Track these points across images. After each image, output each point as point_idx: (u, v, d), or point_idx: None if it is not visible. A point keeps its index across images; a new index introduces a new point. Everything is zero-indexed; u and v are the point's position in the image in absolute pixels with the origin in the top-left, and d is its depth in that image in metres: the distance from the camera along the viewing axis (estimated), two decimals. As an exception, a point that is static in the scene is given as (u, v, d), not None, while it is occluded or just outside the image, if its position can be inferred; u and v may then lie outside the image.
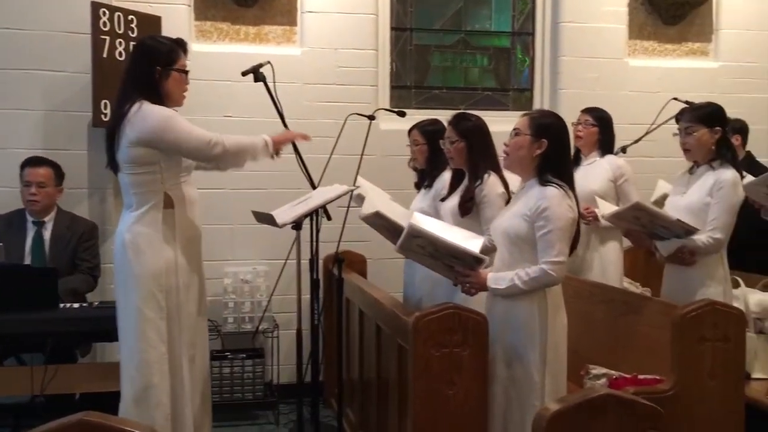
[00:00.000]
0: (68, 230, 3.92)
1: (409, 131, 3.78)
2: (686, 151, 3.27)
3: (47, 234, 3.89)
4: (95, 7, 4.05)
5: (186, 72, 3.01)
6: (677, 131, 3.31)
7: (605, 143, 3.99)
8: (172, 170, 2.94)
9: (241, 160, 3.05)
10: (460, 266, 2.64)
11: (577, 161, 4.05)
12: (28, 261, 3.83)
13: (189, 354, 2.99)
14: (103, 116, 4.11)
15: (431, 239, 2.56)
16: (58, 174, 3.98)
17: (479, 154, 3.17)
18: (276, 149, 3.11)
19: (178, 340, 2.95)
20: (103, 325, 3.22)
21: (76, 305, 3.46)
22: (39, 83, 4.30)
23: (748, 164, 4.12)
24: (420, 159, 3.70)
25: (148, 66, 2.90)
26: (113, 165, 2.97)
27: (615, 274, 3.90)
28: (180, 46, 3.01)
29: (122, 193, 3.03)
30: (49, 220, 3.92)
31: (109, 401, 2.98)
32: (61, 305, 3.41)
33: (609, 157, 3.98)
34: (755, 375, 3.47)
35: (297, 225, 3.30)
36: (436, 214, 3.39)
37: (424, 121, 3.76)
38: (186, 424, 2.95)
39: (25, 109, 4.30)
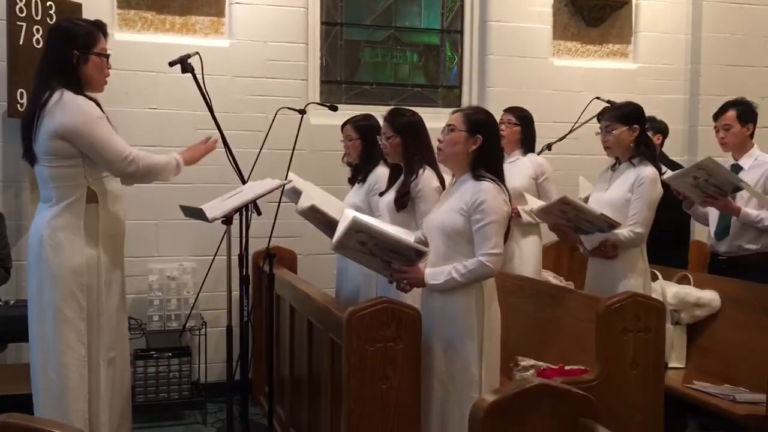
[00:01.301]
0: None
1: (342, 126, 3.77)
2: (607, 148, 3.40)
3: None
4: (11, -8, 3.86)
5: (107, 56, 2.88)
6: (599, 130, 3.42)
7: (527, 142, 4.11)
8: (95, 164, 2.81)
9: (150, 180, 2.99)
10: (398, 262, 2.64)
11: None
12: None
13: (108, 356, 2.87)
14: (19, 106, 3.92)
15: (373, 233, 2.56)
16: None
17: (415, 149, 3.19)
18: (187, 165, 3.05)
19: (97, 341, 2.83)
20: (18, 325, 3.06)
21: (-12, 303, 3.30)
22: (-51, 70, 4.07)
23: (664, 162, 4.30)
24: (353, 154, 3.70)
25: (65, 50, 2.76)
26: (29, 156, 2.81)
27: (534, 266, 4.03)
28: (99, 28, 2.87)
29: (39, 187, 2.87)
30: None
31: (24, 404, 2.84)
32: (-27, 304, 3.24)
33: (531, 156, 4.10)
34: (672, 364, 3.65)
35: (227, 220, 3.23)
36: (369, 208, 3.40)
37: (357, 116, 3.76)
38: (101, 431, 2.84)
39: (-68, 97, 4.06)
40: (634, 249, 3.30)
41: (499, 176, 2.68)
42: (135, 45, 4.43)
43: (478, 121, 2.68)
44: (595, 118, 4.18)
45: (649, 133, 4.36)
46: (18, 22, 3.87)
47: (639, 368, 2.81)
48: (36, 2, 3.96)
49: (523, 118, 4.10)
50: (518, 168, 4.04)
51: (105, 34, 2.89)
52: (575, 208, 3.22)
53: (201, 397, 4.33)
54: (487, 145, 2.66)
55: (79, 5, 4.16)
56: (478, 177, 2.64)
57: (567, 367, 2.91)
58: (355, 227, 2.54)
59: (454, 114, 2.74)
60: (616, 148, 3.36)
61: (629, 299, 2.82)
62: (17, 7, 3.86)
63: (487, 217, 2.56)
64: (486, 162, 2.66)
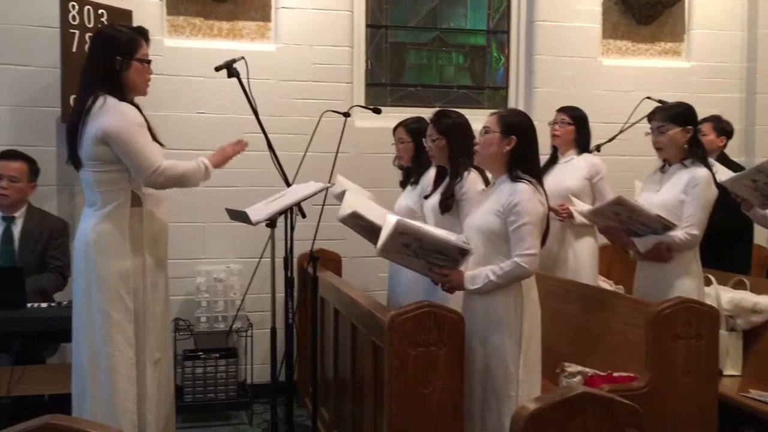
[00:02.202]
0: (39, 227, 3.81)
1: (394, 129, 3.76)
2: (659, 149, 3.30)
3: (17, 230, 3.77)
4: (64, 1, 3.96)
5: (148, 61, 2.93)
6: (649, 130, 3.33)
7: (582, 142, 4.03)
8: None
9: (178, 186, 2.99)
10: (441, 264, 2.64)
11: (554, 160, 4.08)
12: (-5, 258, 3.73)
13: (154, 357, 2.92)
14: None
15: (418, 234, 2.57)
16: (33, 170, 3.86)
17: (460, 152, 3.16)
18: (216, 168, 3.08)
19: (143, 343, 2.88)
20: (71, 325, 3.14)
21: (44, 305, 3.38)
22: (7, 78, 4.22)
23: (725, 164, 4.17)
24: (405, 157, 3.69)
25: (108, 56, 2.81)
26: (74, 161, 2.88)
27: (589, 271, 3.92)
28: (141, 34, 2.92)
29: (84, 191, 2.93)
30: (20, 216, 3.80)
31: (64, 404, 2.92)
32: (29, 305, 3.33)
33: (585, 156, 4.01)
34: (727, 372, 3.52)
35: (271, 223, 3.25)
36: (422, 211, 3.38)
37: (408, 119, 3.74)
38: (148, 431, 2.89)
39: (-9, 103, 4.21)
40: (688, 252, 3.20)
41: (536, 177, 2.68)
42: (184, 51, 4.51)
43: (513, 123, 2.70)
44: (646, 119, 4.10)
45: (713, 135, 4.28)
46: (71, 30, 3.98)
47: (691, 376, 2.73)
48: (88, 10, 4.06)
49: (577, 118, 4.02)
50: (572, 168, 3.96)
51: (147, 40, 2.94)
52: (629, 209, 3.14)
53: (247, 397, 4.37)
54: (522, 145, 2.67)
55: (130, 12, 4.26)
56: (514, 178, 2.65)
57: (615, 374, 2.84)
58: (399, 229, 2.55)
59: (490, 116, 2.76)
60: (669, 150, 3.26)
61: (681, 305, 2.74)
62: (70, 15, 3.97)
63: (521, 218, 2.57)
64: (522, 163, 2.67)
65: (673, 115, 3.24)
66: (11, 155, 3.82)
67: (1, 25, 4.18)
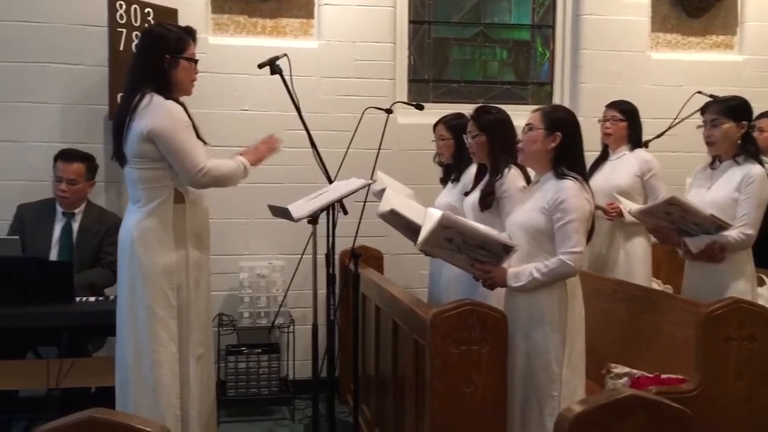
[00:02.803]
0: (97, 223, 3.90)
1: (435, 126, 3.73)
2: (710, 144, 3.19)
3: (76, 226, 3.87)
4: (112, 0, 4.03)
5: (195, 61, 2.96)
6: (701, 124, 3.23)
7: (634, 137, 3.93)
8: None
9: (218, 186, 3.01)
10: (484, 260, 2.61)
11: (604, 157, 3.99)
12: (54, 251, 3.80)
13: (197, 353, 2.95)
14: (120, 110, 4.09)
15: (461, 228, 2.54)
16: (91, 168, 3.94)
17: (501, 148, 3.11)
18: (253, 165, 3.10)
19: (186, 338, 2.91)
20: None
21: (92, 299, 3.45)
22: (57, 76, 4.31)
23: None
24: (446, 154, 3.65)
25: (156, 54, 2.85)
26: (119, 157, 2.92)
27: (642, 271, 3.82)
28: (189, 34, 2.95)
29: (128, 188, 2.98)
30: (79, 212, 3.89)
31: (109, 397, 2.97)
32: (77, 299, 3.40)
33: (638, 152, 3.91)
34: (781, 375, 3.39)
35: (313, 219, 3.25)
36: (463, 208, 3.35)
37: (449, 115, 3.71)
38: (192, 426, 2.92)
39: (43, 102, 4.31)
40: (741, 252, 3.10)
41: (581, 174, 2.64)
42: (228, 48, 4.55)
43: (557, 119, 2.66)
44: (696, 114, 3.98)
45: None
46: (118, 29, 4.04)
47: (743, 379, 2.64)
48: (135, 9, 4.13)
49: (628, 112, 3.92)
50: (623, 165, 3.87)
51: (194, 40, 2.97)
52: (683, 209, 3.04)
53: (289, 393, 4.39)
54: (566, 142, 2.63)
55: (175, 11, 4.31)
56: (560, 175, 2.61)
57: (663, 376, 2.77)
58: (444, 223, 2.53)
59: (534, 113, 2.72)
60: (722, 144, 3.16)
61: (733, 305, 2.65)
62: (117, 15, 4.03)
63: (567, 216, 2.53)
64: (567, 160, 2.63)
65: (728, 109, 3.14)
66: (69, 156, 3.88)
67: (52, 24, 4.28)
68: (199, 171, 2.84)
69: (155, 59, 2.84)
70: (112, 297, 3.59)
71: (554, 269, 2.54)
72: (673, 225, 3.15)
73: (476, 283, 2.81)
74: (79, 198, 3.90)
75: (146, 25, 4.14)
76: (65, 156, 3.88)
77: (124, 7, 4.06)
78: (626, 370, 2.89)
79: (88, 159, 3.93)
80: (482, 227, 2.64)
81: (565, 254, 2.53)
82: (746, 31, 5.17)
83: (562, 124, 2.64)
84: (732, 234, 3.04)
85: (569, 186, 2.56)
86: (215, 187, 3.01)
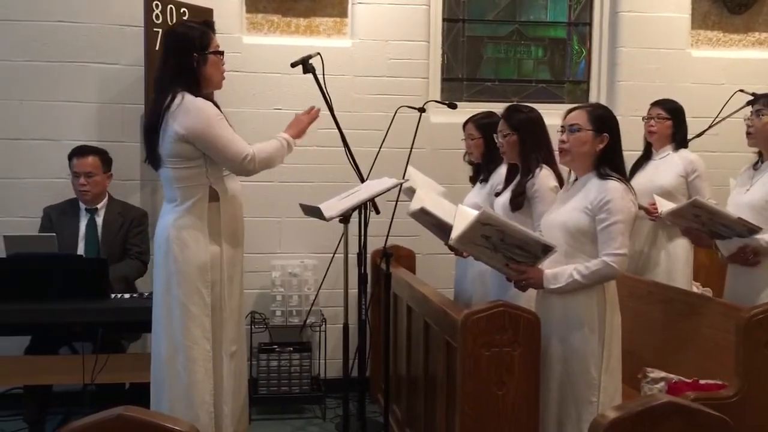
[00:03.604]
0: (120, 216, 3.97)
1: (464, 125, 3.69)
2: (749, 134, 3.11)
3: (100, 220, 3.94)
4: (148, 1, 4.07)
5: (222, 53, 2.97)
6: (749, 114, 3.15)
7: (679, 136, 3.86)
8: (216, 164, 2.91)
9: (268, 168, 3.02)
10: (520, 260, 2.57)
11: (647, 156, 3.92)
12: (81, 247, 3.87)
13: (230, 350, 2.97)
14: (155, 109, 4.13)
15: (501, 226, 2.49)
16: (105, 160, 4.00)
17: (532, 148, 3.07)
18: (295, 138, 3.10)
19: (220, 336, 2.93)
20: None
21: (126, 295, 3.49)
22: (94, 76, 4.37)
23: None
24: (475, 153, 3.61)
25: (185, 53, 2.86)
26: (153, 160, 2.93)
27: (683, 272, 3.76)
28: (209, 27, 2.97)
29: (164, 187, 3.00)
30: (102, 207, 3.97)
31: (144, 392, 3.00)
32: (112, 296, 3.44)
33: (682, 152, 3.84)
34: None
35: (345, 218, 3.25)
36: (491, 208, 3.30)
37: (478, 114, 3.66)
38: (224, 423, 2.93)
39: (80, 101, 4.37)
40: (778, 256, 3.01)
41: (623, 174, 2.59)
42: (262, 47, 4.57)
43: (604, 118, 2.60)
44: (737, 113, 3.88)
45: None
46: (154, 29, 4.08)
47: (785, 386, 2.56)
48: (170, 9, 4.16)
49: (674, 111, 3.85)
50: (667, 165, 3.80)
51: (214, 32, 2.98)
52: (708, 211, 2.97)
53: (320, 392, 4.39)
54: (611, 142, 2.58)
55: (210, 11, 4.34)
56: (603, 176, 2.56)
57: (702, 381, 2.70)
58: (483, 220, 2.48)
59: (574, 112, 2.65)
60: (759, 137, 3.07)
61: (774, 310, 2.57)
62: (153, 15, 4.07)
63: (612, 217, 2.47)
64: (611, 160, 2.58)
65: None
66: (82, 151, 3.95)
67: (89, 24, 4.34)
68: (244, 158, 2.86)
69: (184, 59, 2.85)
70: (146, 294, 3.63)
71: (597, 271, 2.48)
72: (704, 227, 3.08)
73: (506, 284, 2.76)
74: (100, 191, 3.96)
75: (169, 26, 4.17)
76: (79, 152, 3.95)
77: (160, 7, 4.09)
78: (663, 374, 2.82)
79: (101, 152, 3.99)
80: (521, 226, 2.59)
81: (609, 256, 2.47)
82: (791, 27, 5.03)
83: (608, 124, 2.60)
84: (765, 237, 2.95)
85: (615, 187, 2.51)
86: (266, 169, 3.01)
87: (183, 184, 2.89)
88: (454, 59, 5.02)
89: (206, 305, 2.89)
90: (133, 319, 3.35)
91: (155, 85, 2.95)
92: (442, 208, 3.19)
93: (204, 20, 3.02)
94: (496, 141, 3.20)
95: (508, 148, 3.13)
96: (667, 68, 4.88)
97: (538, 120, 3.13)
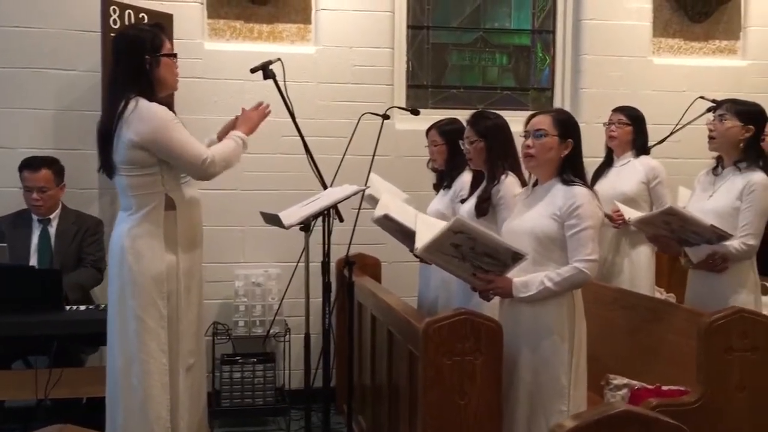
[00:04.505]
0: (74, 225, 3.89)
1: (427, 131, 3.68)
2: (710, 138, 3.13)
3: (53, 231, 3.85)
4: (105, 5, 3.98)
5: (174, 55, 2.91)
6: (711, 120, 3.17)
7: (639, 143, 3.88)
8: (172, 171, 2.83)
9: (227, 168, 2.96)
10: (488, 268, 2.53)
11: (609, 163, 3.93)
12: (34, 258, 3.78)
13: (187, 363, 2.89)
14: (113, 116, 4.04)
15: (474, 234, 2.45)
16: (57, 172, 3.89)
17: (499, 154, 3.05)
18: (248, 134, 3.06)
19: (177, 349, 2.85)
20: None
21: (82, 307, 3.40)
22: (50, 82, 4.28)
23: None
24: (439, 160, 3.59)
25: (136, 57, 2.78)
26: (108, 168, 2.85)
27: (646, 279, 3.78)
28: (161, 29, 2.90)
29: (119, 195, 2.93)
30: (54, 217, 3.88)
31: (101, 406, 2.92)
32: (67, 307, 3.34)
33: (643, 158, 3.86)
34: (786, 386, 3.31)
35: (305, 226, 3.19)
36: (454, 215, 3.27)
37: (442, 120, 3.65)
38: None
39: (36, 108, 4.28)
40: (744, 261, 3.03)
41: (584, 180, 2.59)
42: (224, 54, 4.50)
43: (568, 124, 2.61)
44: (698, 119, 3.92)
45: None
46: (111, 34, 3.98)
47: (746, 391, 2.57)
48: (129, 14, 4.08)
49: (634, 118, 3.88)
50: (628, 171, 3.82)
51: (166, 34, 2.92)
52: (682, 218, 2.97)
53: (285, 403, 4.32)
54: (575, 148, 2.58)
55: (171, 16, 4.27)
56: (567, 181, 2.55)
57: (664, 388, 2.69)
58: (455, 228, 2.45)
59: (539, 117, 2.63)
60: (720, 141, 3.09)
61: (735, 315, 2.59)
62: (111, 19, 3.99)
63: (583, 222, 2.47)
64: (573, 166, 2.58)
65: (740, 110, 3.08)
66: (34, 164, 3.83)
67: (45, 29, 4.24)
68: (204, 162, 2.80)
69: (136, 63, 2.78)
70: (103, 305, 3.54)
71: (569, 277, 2.47)
72: (673, 234, 3.09)
73: (470, 292, 2.73)
74: (53, 204, 3.86)
75: (118, 30, 4.08)
76: (30, 165, 3.84)
77: (117, 12, 4.01)
78: (626, 381, 2.81)
79: (53, 163, 3.89)
80: (493, 234, 2.56)
81: (580, 262, 2.46)
82: (749, 35, 5.11)
83: (573, 130, 2.60)
84: (734, 244, 2.97)
85: (583, 193, 2.51)
86: (225, 170, 2.95)
87: (138, 192, 2.81)
88: (419, 66, 5.00)
89: (162, 317, 2.80)
90: (89, 331, 3.26)
91: (108, 91, 2.89)
92: (406, 215, 3.15)
93: (155, 22, 2.95)
94: (462, 148, 3.18)
95: (475, 154, 3.11)
96: (629, 76, 4.92)
97: (504, 127, 3.12)
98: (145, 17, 4.15)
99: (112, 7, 4.00)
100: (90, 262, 3.86)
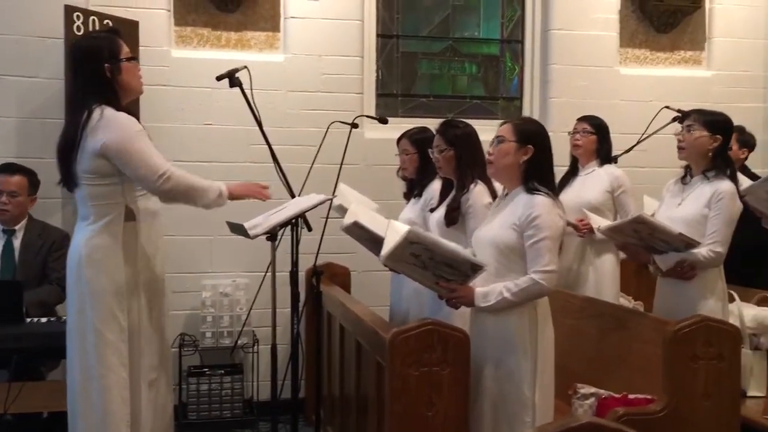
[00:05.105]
0: (40, 239, 3.78)
1: (398, 140, 3.67)
2: (680, 149, 3.16)
3: (18, 242, 3.75)
4: (69, 11, 3.92)
5: (135, 58, 2.85)
6: (679, 130, 3.21)
7: (603, 152, 3.90)
8: (132, 182, 2.76)
9: (189, 202, 2.82)
10: (450, 278, 2.52)
11: (574, 171, 3.95)
12: (-4, 270, 3.68)
13: (149, 378, 2.81)
14: (77, 124, 3.97)
15: (429, 245, 2.44)
16: (33, 183, 3.83)
17: (468, 163, 3.06)
18: (232, 199, 2.92)
19: (138, 363, 2.77)
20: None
21: (43, 320, 3.31)
22: (12, 89, 4.20)
23: (749, 177, 4.01)
24: (410, 168, 3.58)
25: (95, 66, 2.71)
26: (68, 181, 2.77)
27: (611, 288, 3.79)
28: (116, 34, 2.84)
29: (78, 205, 2.85)
30: (20, 228, 3.78)
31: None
32: (28, 320, 3.26)
33: (607, 167, 3.88)
34: (751, 393, 3.35)
35: (272, 236, 3.15)
36: (425, 224, 3.28)
37: (413, 129, 3.64)
38: None
39: (-2, 115, 4.18)
40: (712, 269, 3.06)
41: (551, 189, 2.56)
42: (191, 61, 4.45)
43: (529, 131, 2.58)
44: (664, 129, 3.97)
45: (735, 147, 4.11)
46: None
47: (711, 399, 2.59)
48: (93, 21, 4.02)
49: (599, 127, 3.89)
50: (593, 180, 3.83)
51: (122, 38, 2.84)
52: (651, 227, 2.99)
53: (253, 415, 4.27)
54: (538, 156, 2.55)
55: (136, 23, 4.21)
56: (530, 190, 2.53)
57: (631, 396, 2.70)
58: (410, 238, 2.43)
59: (503, 125, 2.63)
60: (690, 151, 3.12)
61: (700, 323, 2.61)
62: (74, 26, 3.92)
63: (540, 233, 2.45)
64: (538, 174, 2.55)
65: (708, 120, 3.11)
66: (10, 169, 3.78)
67: (7, 36, 4.16)
68: (160, 176, 2.69)
69: (96, 72, 2.71)
70: (64, 318, 3.45)
71: (525, 288, 2.45)
72: (641, 242, 3.11)
73: (441, 302, 2.72)
74: (21, 213, 3.78)
75: (73, 40, 4.01)
76: (6, 168, 3.78)
77: (81, 18, 3.95)
78: (593, 390, 2.81)
79: (31, 174, 3.83)
80: (450, 244, 2.55)
81: (537, 273, 2.44)
82: (714, 46, 5.20)
83: (534, 137, 2.57)
84: (701, 252, 2.99)
85: (542, 202, 2.48)
86: (183, 202, 2.82)
87: (97, 202, 2.74)
88: (389, 75, 5.00)
89: (122, 330, 2.73)
90: (49, 345, 3.16)
91: (69, 103, 2.82)
92: (375, 223, 3.13)
93: (110, 28, 2.89)
94: (432, 156, 3.17)
95: (444, 163, 3.11)
96: (596, 85, 4.97)
97: (473, 135, 3.13)
98: (110, 23, 4.08)
99: (75, 14, 3.94)
100: (55, 280, 3.73)
